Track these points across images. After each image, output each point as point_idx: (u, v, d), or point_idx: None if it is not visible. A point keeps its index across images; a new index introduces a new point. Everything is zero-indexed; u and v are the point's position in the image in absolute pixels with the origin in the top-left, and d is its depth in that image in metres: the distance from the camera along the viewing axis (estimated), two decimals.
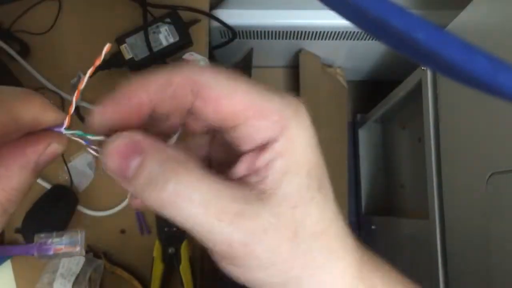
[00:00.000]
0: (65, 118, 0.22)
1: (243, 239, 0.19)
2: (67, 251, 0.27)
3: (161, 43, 0.71)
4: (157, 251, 0.66)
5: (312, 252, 0.21)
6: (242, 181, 0.21)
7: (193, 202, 0.19)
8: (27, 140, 0.21)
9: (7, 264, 0.68)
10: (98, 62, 0.21)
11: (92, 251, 0.67)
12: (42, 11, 0.76)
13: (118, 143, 0.20)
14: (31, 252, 0.26)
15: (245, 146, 0.21)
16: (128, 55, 0.70)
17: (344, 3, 0.13)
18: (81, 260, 0.62)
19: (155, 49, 0.70)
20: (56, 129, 0.21)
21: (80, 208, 0.70)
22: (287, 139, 0.20)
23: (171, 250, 0.66)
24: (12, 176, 0.20)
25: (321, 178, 0.22)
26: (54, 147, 0.21)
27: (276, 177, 0.20)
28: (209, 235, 0.19)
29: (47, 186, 0.69)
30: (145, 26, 0.71)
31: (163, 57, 0.72)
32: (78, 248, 0.28)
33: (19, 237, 0.67)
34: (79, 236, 0.28)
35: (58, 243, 0.27)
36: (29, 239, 0.67)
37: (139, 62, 0.70)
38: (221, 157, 0.25)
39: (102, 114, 0.21)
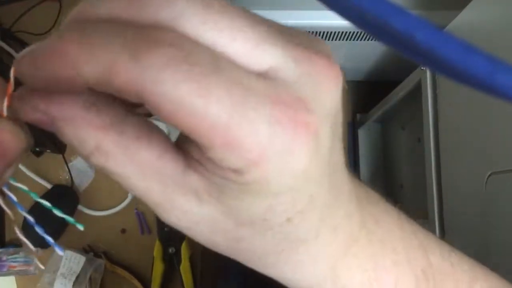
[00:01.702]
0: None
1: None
2: (21, 269, 0.26)
3: None
4: (157, 251, 0.66)
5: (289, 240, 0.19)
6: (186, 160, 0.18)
7: (114, 155, 0.17)
8: None
9: None
10: (10, 89, 0.17)
11: (92, 251, 0.67)
12: (42, 12, 0.76)
13: (25, 115, 0.17)
14: None
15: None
16: None
17: (343, 3, 0.13)
18: (82, 259, 0.63)
19: None
20: None
21: (81, 207, 0.70)
22: (260, 178, 0.16)
23: (171, 249, 0.66)
24: None
25: (315, 192, 0.18)
26: None
27: (224, 200, 0.18)
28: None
29: (48, 186, 0.70)
30: None
31: None
32: (32, 268, 0.27)
33: None
34: (34, 256, 0.26)
35: (13, 260, 0.26)
36: (29, 239, 0.67)
37: None
38: None
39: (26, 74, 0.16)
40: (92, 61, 0.15)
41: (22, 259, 0.27)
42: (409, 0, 0.88)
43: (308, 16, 0.90)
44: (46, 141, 0.65)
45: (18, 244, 0.68)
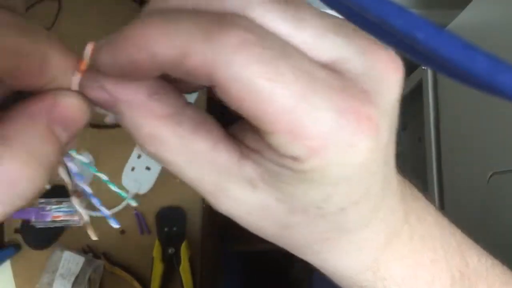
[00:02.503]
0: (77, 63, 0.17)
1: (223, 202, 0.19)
2: (65, 219, 0.26)
3: None
4: (157, 251, 0.66)
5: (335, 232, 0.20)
6: (245, 150, 0.18)
7: (166, 145, 0.18)
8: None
9: (7, 264, 0.68)
10: (83, 67, 0.18)
11: (91, 252, 0.67)
12: (41, 11, 0.76)
13: (91, 94, 0.17)
14: (30, 217, 0.25)
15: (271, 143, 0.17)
16: None
17: (344, 2, 0.13)
18: (81, 260, 0.62)
19: None
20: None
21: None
22: (318, 167, 0.16)
23: (171, 250, 0.66)
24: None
25: (371, 184, 0.19)
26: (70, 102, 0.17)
27: (276, 187, 0.18)
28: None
29: (47, 186, 0.69)
30: None
31: None
32: (76, 218, 0.27)
33: (19, 237, 0.67)
34: (78, 206, 0.26)
35: (57, 210, 0.26)
36: (28, 240, 0.67)
37: None
38: None
39: (104, 62, 0.17)
40: (168, 43, 0.15)
41: (66, 209, 0.27)
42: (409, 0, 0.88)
43: None
44: None
45: (17, 245, 0.67)
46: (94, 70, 0.17)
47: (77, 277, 0.61)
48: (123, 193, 0.21)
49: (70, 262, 0.62)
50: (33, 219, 0.25)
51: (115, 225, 0.21)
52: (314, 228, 0.19)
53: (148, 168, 0.69)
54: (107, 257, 0.68)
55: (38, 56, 0.16)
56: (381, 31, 0.14)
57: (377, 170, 0.18)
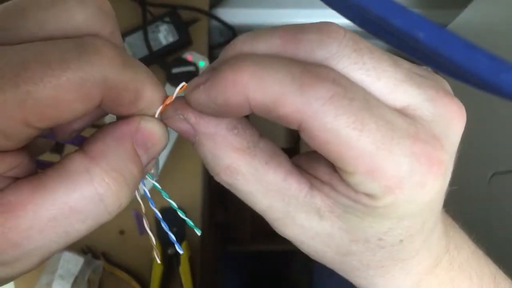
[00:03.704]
0: (162, 99, 0.19)
1: (295, 233, 0.21)
2: None
3: (160, 43, 0.71)
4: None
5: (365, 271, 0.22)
6: (313, 182, 0.20)
7: (246, 177, 0.19)
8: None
9: None
10: (169, 101, 0.19)
11: (91, 252, 0.67)
12: None
13: (173, 123, 0.19)
14: None
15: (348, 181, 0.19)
16: None
17: (345, 2, 0.13)
18: (80, 261, 0.62)
19: (154, 49, 0.70)
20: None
21: None
22: (390, 204, 0.18)
23: (170, 251, 0.65)
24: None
25: (427, 219, 0.21)
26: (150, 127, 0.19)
27: (348, 225, 0.20)
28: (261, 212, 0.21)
29: None
30: (144, 26, 0.71)
31: (163, 56, 0.72)
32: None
33: None
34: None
35: None
36: None
37: None
38: None
39: (200, 101, 0.18)
40: (263, 90, 0.16)
41: None
42: None
43: (309, 15, 0.90)
44: None
45: None
46: (181, 103, 0.19)
47: (76, 278, 0.61)
48: (191, 222, 0.23)
49: (69, 262, 0.61)
50: None
51: (180, 251, 0.23)
52: (372, 257, 0.21)
53: None
54: (106, 257, 0.68)
55: (135, 90, 0.17)
56: (383, 30, 0.14)
57: (436, 208, 0.21)
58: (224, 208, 1.02)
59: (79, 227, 0.17)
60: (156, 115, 0.19)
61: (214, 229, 0.91)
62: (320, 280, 0.75)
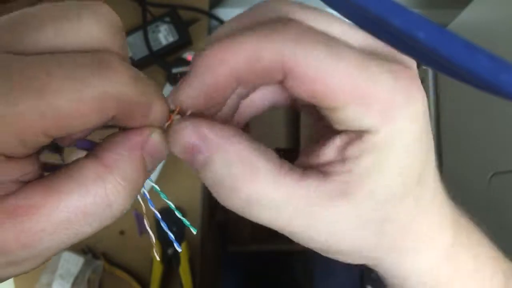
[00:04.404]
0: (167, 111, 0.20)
1: (321, 240, 0.21)
2: None
3: (160, 43, 0.71)
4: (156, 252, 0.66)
5: (396, 242, 0.22)
6: (323, 170, 0.20)
7: (265, 207, 0.20)
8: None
9: None
10: (171, 119, 0.20)
11: (91, 252, 0.67)
12: None
13: (182, 135, 0.20)
14: None
15: (340, 127, 0.20)
16: None
17: (345, 2, 0.13)
18: (80, 261, 0.62)
19: (154, 49, 0.70)
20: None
21: None
22: (387, 133, 0.18)
23: (170, 251, 0.65)
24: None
25: (421, 172, 0.21)
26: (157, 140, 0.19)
27: (363, 173, 0.19)
28: (285, 233, 0.21)
29: None
30: (144, 25, 0.71)
31: (163, 56, 0.72)
32: None
33: None
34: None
35: None
36: None
37: (138, 62, 0.70)
38: (309, 116, 0.25)
39: (189, 93, 0.19)
40: (240, 52, 0.18)
41: None
42: None
43: None
44: None
45: None
46: (192, 118, 0.20)
47: (76, 278, 0.61)
48: (187, 221, 0.23)
49: (69, 262, 0.61)
50: None
51: (179, 248, 0.23)
52: (399, 219, 0.21)
53: None
54: (106, 257, 0.68)
55: (145, 105, 0.18)
56: (382, 30, 0.14)
57: (426, 146, 0.21)
58: (224, 208, 1.02)
59: (86, 230, 0.18)
60: (165, 126, 0.20)
61: (214, 229, 0.91)
62: (321, 281, 0.75)
